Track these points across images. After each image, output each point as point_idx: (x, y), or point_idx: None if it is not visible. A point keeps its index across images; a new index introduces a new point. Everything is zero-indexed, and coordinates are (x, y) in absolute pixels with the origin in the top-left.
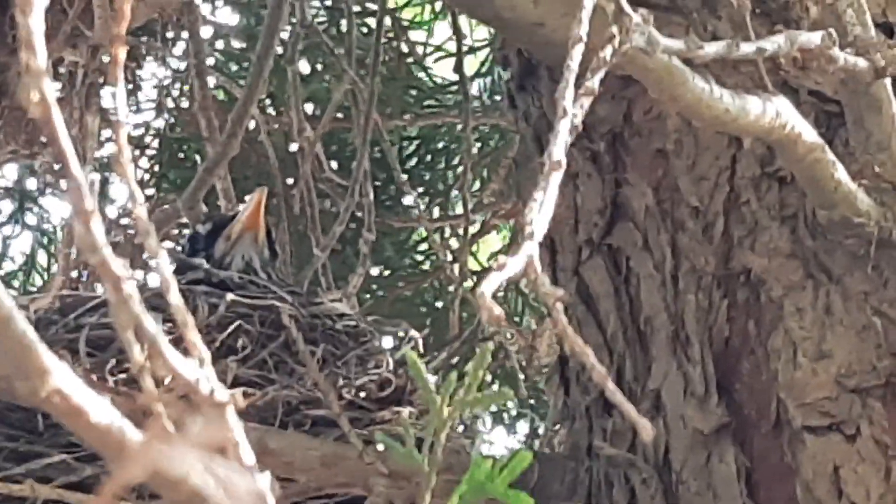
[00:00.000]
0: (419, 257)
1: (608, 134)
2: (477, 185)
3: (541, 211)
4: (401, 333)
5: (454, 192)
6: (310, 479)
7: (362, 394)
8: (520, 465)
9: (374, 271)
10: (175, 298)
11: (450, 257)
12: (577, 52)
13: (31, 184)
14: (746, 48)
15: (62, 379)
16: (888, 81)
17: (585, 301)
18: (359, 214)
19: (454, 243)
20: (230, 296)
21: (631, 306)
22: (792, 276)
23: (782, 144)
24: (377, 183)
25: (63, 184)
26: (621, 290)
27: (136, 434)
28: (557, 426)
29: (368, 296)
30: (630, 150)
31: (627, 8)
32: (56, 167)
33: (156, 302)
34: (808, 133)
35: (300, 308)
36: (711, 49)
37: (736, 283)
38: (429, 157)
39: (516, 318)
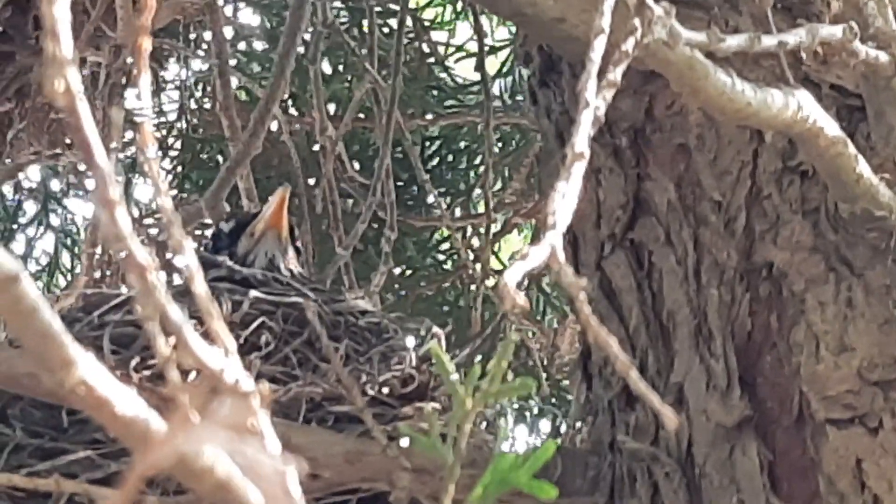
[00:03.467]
0: (441, 257)
1: (630, 129)
2: (498, 184)
3: (564, 201)
4: (423, 331)
5: (476, 192)
6: (333, 475)
7: (385, 390)
8: (544, 456)
9: (397, 271)
10: (200, 288)
11: (472, 256)
12: (599, 44)
13: (55, 185)
14: (768, 41)
15: (87, 370)
16: None
17: (608, 296)
18: (381, 215)
19: (476, 243)
20: (254, 293)
21: (653, 301)
22: (814, 270)
23: (804, 138)
24: (399, 183)
25: (87, 184)
26: (644, 284)
27: (161, 425)
28: (580, 424)
29: (391, 295)
30: (652, 146)
31: (649, 1)
32: (80, 165)
33: (180, 298)
34: (830, 127)
35: (323, 305)
36: (733, 42)
37: (758, 277)
38: (450, 158)
39: (538, 318)
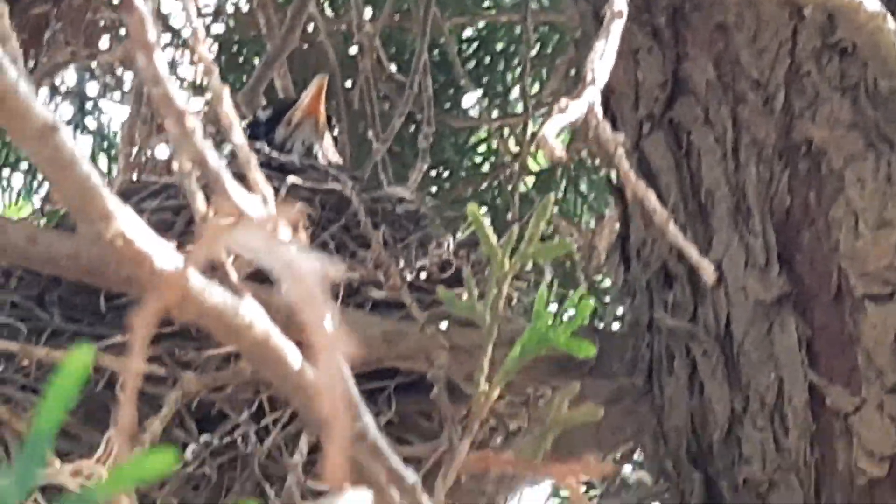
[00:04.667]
0: (478, 159)
1: (668, 8)
2: (536, 87)
3: (602, 58)
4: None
5: (513, 94)
6: (371, 354)
7: (423, 275)
8: (582, 314)
9: (433, 173)
10: (238, 138)
11: (511, 154)
12: None
13: (91, 88)
14: None
15: (126, 223)
16: None
17: (646, 176)
18: (418, 117)
19: (513, 144)
20: (291, 179)
21: (692, 180)
22: (853, 147)
23: (843, 11)
24: (436, 85)
25: (125, 84)
26: (682, 164)
27: (200, 280)
28: (617, 307)
29: (427, 196)
30: (690, 25)
31: None
32: (116, 67)
33: None
34: (870, 1)
35: (361, 192)
36: None
37: (797, 154)
38: (488, 60)
39: (576, 219)
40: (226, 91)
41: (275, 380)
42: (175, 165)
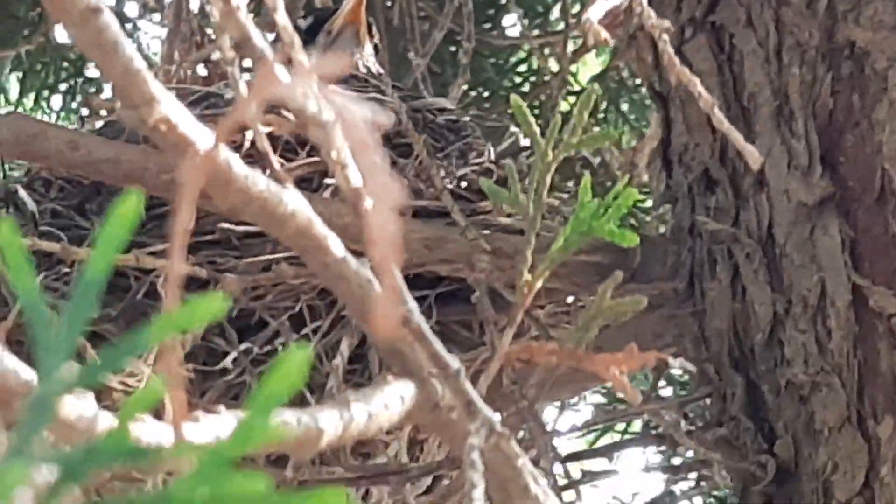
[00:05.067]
0: (518, 79)
1: None
2: (577, 7)
3: None
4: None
5: (554, 13)
6: (412, 258)
7: (464, 184)
8: (626, 203)
9: (473, 93)
10: (282, 18)
11: (551, 72)
12: None
13: (131, 8)
14: None
15: (170, 107)
16: None
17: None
18: (457, 37)
19: (553, 64)
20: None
21: (734, 83)
22: None
23: None
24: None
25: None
26: (724, 67)
27: (241, 166)
28: (659, 211)
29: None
30: None
31: None
32: None
33: None
34: None
35: (402, 102)
36: None
37: (840, 56)
38: None
39: (616, 139)
40: None
41: (317, 268)
42: (217, 53)
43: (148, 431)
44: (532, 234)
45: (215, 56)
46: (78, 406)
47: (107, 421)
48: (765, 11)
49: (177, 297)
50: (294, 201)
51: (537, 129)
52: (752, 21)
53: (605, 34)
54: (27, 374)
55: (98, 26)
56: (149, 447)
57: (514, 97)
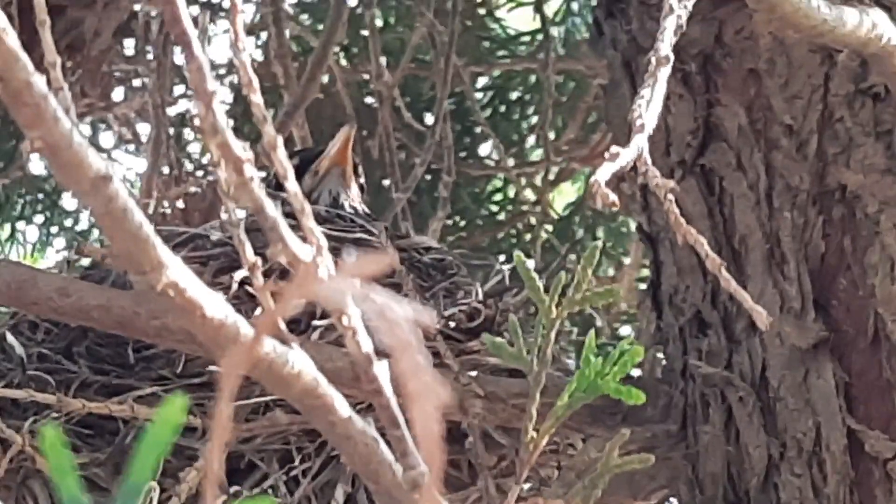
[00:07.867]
0: (494, 207)
1: (699, 55)
2: (552, 134)
3: (649, 107)
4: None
5: (529, 143)
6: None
7: (451, 324)
8: (632, 360)
9: (450, 221)
10: (292, 185)
11: (531, 200)
12: None
13: (106, 139)
14: None
15: (178, 273)
16: None
17: None
18: (435, 167)
19: (530, 193)
20: (319, 229)
21: (725, 226)
22: (887, 192)
23: (878, 57)
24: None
25: (140, 135)
26: (715, 210)
27: (249, 329)
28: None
29: (445, 246)
30: (722, 71)
31: None
32: (132, 117)
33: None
34: None
35: (387, 241)
36: None
37: (831, 200)
38: (503, 108)
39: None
40: (280, 139)
41: (322, 427)
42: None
43: None
44: (536, 391)
45: (192, 189)
46: None
47: None
48: (755, 155)
49: (215, 496)
50: (300, 361)
51: (541, 286)
52: (742, 164)
53: (613, 197)
54: None
55: (108, 194)
56: None
57: (517, 254)
